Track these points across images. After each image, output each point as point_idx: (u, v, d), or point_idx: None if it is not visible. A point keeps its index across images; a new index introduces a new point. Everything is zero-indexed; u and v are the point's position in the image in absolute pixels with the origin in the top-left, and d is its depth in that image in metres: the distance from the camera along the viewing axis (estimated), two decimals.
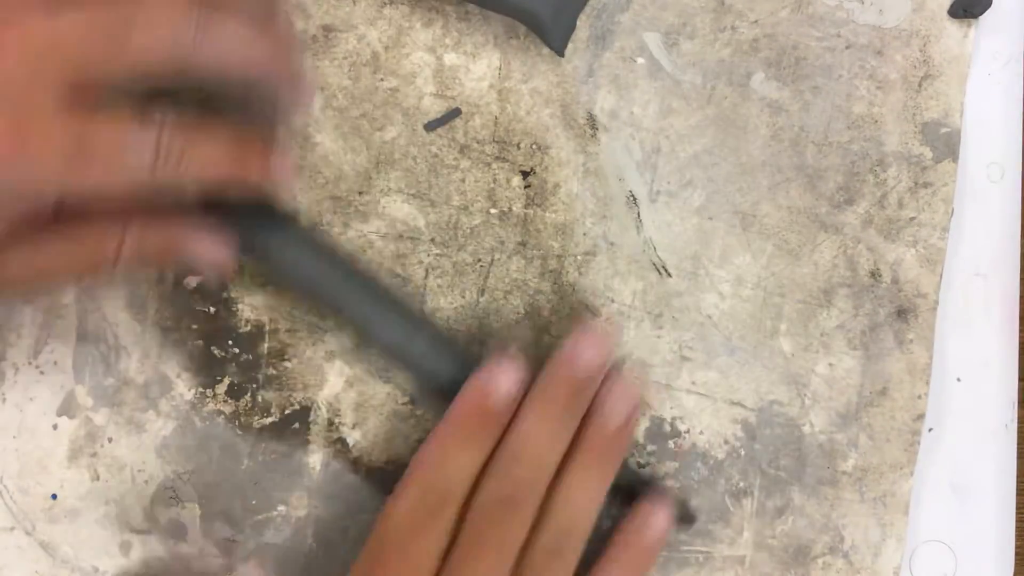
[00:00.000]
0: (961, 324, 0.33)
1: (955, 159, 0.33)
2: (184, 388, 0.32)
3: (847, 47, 0.33)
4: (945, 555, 0.33)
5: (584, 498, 0.29)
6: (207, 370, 0.32)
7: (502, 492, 0.28)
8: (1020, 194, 0.34)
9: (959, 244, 0.33)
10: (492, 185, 0.32)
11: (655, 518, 0.30)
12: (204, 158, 0.25)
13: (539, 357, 0.30)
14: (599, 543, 0.30)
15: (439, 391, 0.30)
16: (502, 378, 0.28)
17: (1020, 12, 0.34)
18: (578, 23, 0.32)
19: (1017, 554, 0.34)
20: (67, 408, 0.32)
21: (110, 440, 0.32)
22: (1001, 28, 0.34)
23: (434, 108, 0.32)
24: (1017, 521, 0.34)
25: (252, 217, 0.29)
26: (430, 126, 0.32)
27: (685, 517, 0.32)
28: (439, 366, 0.30)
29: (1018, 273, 0.34)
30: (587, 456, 0.29)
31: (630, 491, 0.31)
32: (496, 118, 0.32)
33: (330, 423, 0.32)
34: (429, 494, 0.28)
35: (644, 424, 0.32)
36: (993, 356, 0.34)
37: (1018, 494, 0.34)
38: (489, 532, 0.28)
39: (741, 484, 0.32)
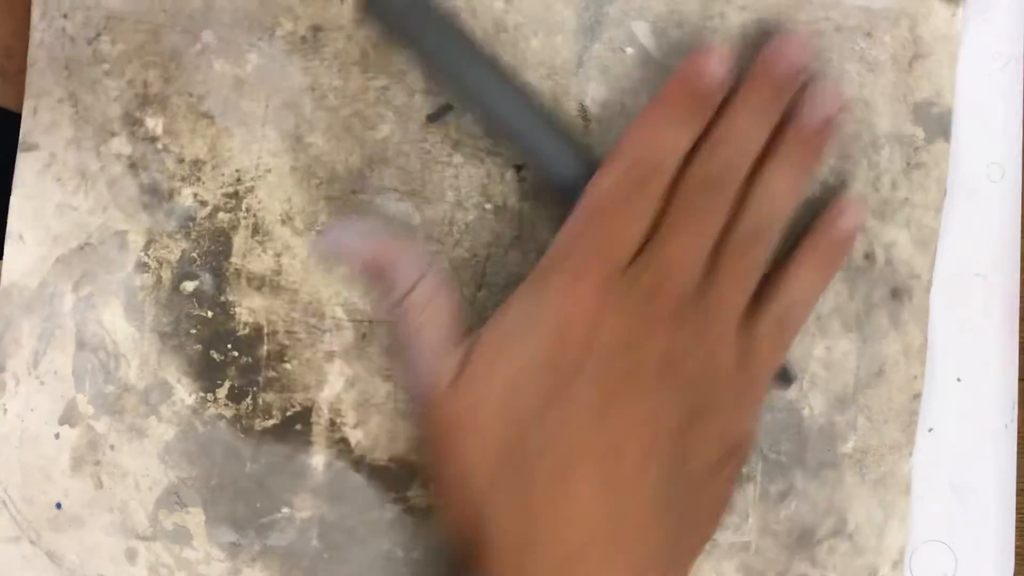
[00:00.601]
0: (961, 324, 0.33)
1: (947, 139, 0.33)
2: (184, 393, 0.32)
3: (836, 29, 0.33)
4: (945, 555, 0.33)
5: (782, 187, 0.29)
6: (207, 374, 0.32)
7: (708, 172, 0.29)
8: (1020, 194, 0.34)
9: (959, 244, 0.33)
10: (486, 180, 0.32)
11: (847, 212, 0.31)
12: None
13: None
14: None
15: (565, 190, 0.30)
16: (713, 61, 0.28)
17: (1020, 12, 0.34)
18: (566, 14, 0.32)
19: (1017, 554, 0.34)
20: (68, 417, 0.32)
21: (112, 448, 0.32)
22: (1001, 29, 0.34)
23: (425, 105, 0.32)
24: (1017, 521, 0.34)
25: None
26: (433, 117, 0.32)
27: (785, 377, 0.32)
28: (567, 164, 0.30)
29: (1018, 273, 0.34)
30: (787, 149, 0.30)
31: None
32: None
33: (332, 423, 0.32)
34: (636, 167, 0.28)
35: None
36: (993, 356, 0.34)
37: (1018, 494, 0.34)
38: (693, 209, 0.28)
39: (744, 470, 0.33)
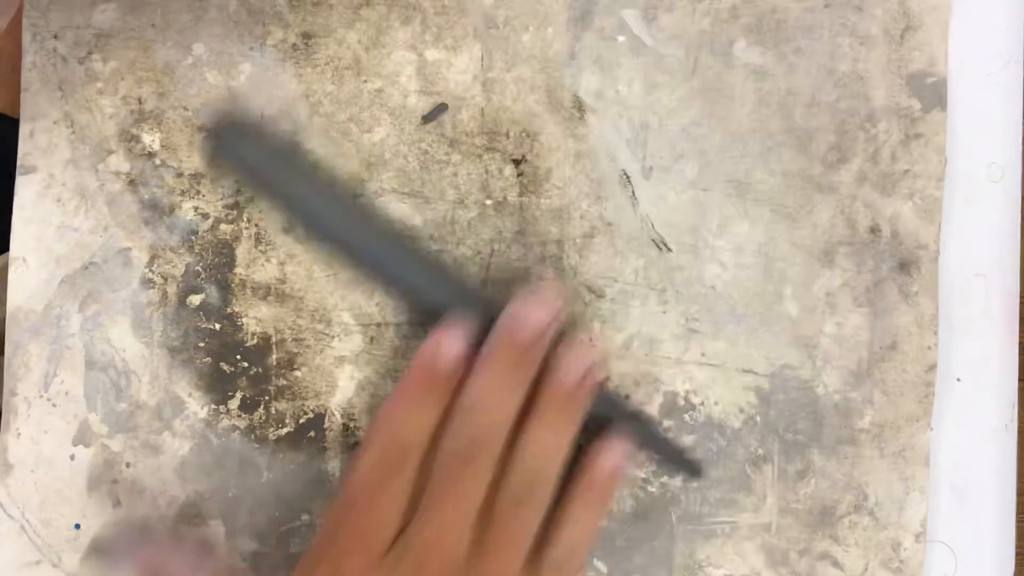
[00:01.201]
0: (961, 324, 0.33)
1: (944, 108, 0.33)
2: (197, 407, 0.32)
3: (826, 5, 0.33)
4: (945, 555, 0.33)
5: (544, 448, 0.29)
6: (218, 386, 0.32)
7: (458, 447, 0.28)
8: (1020, 194, 0.34)
9: (959, 244, 0.33)
10: (485, 176, 0.32)
11: (607, 453, 0.30)
12: None
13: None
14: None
15: (435, 314, 0.30)
16: (448, 342, 0.29)
17: (1020, 12, 0.34)
18: (556, 6, 0.32)
19: (1017, 554, 0.34)
20: (82, 437, 0.32)
21: (128, 465, 0.32)
22: (1001, 29, 0.34)
23: (420, 105, 0.32)
24: (1017, 521, 0.34)
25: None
26: (428, 117, 0.32)
27: (691, 469, 0.32)
28: (432, 294, 0.30)
29: (1018, 273, 0.34)
30: (543, 415, 0.29)
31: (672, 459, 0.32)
32: (483, 109, 0.32)
33: (345, 428, 0.32)
34: (389, 450, 0.28)
35: (658, 400, 0.32)
36: (993, 356, 0.34)
37: (1018, 494, 0.34)
38: (448, 486, 0.28)
39: (760, 451, 0.32)
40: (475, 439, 0.28)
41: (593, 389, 0.30)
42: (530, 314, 0.29)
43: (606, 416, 0.31)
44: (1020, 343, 0.34)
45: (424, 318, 0.32)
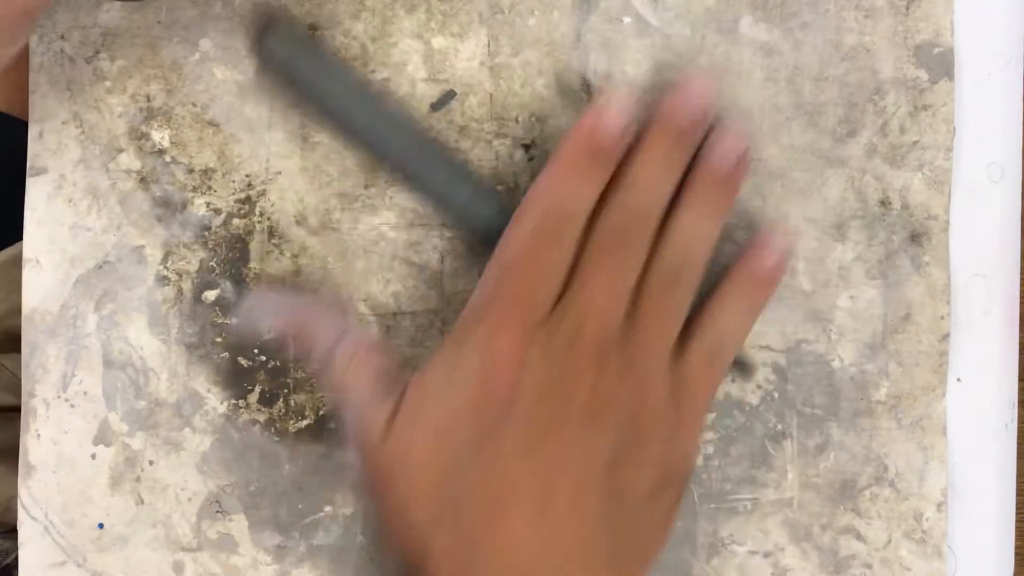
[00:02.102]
0: (961, 324, 0.33)
1: (951, 78, 0.33)
2: (216, 402, 0.32)
3: None
4: (945, 555, 0.33)
5: (696, 231, 0.30)
6: (237, 381, 0.32)
7: (618, 220, 0.29)
8: (1020, 194, 0.34)
9: (959, 244, 0.33)
10: (495, 162, 0.32)
11: (772, 245, 0.31)
12: None
13: None
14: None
15: (486, 240, 0.30)
16: (611, 114, 0.29)
17: (1020, 12, 0.34)
18: None
19: (1017, 554, 0.34)
20: (103, 436, 0.32)
21: (150, 463, 0.32)
22: (1001, 29, 0.34)
23: (428, 93, 0.32)
24: (1017, 521, 0.34)
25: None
26: (437, 105, 0.32)
27: (743, 368, 0.32)
28: (483, 216, 0.31)
29: (1018, 273, 0.34)
30: (699, 192, 0.30)
31: None
32: (491, 95, 0.32)
33: None
34: (547, 219, 0.28)
35: None
36: (993, 356, 0.34)
37: (1018, 494, 0.34)
38: (606, 257, 0.29)
39: (779, 427, 0.33)
40: (634, 214, 0.29)
41: (746, 174, 0.30)
42: (694, 96, 0.29)
43: None
44: (1020, 343, 0.34)
45: (453, 221, 0.32)
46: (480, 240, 0.31)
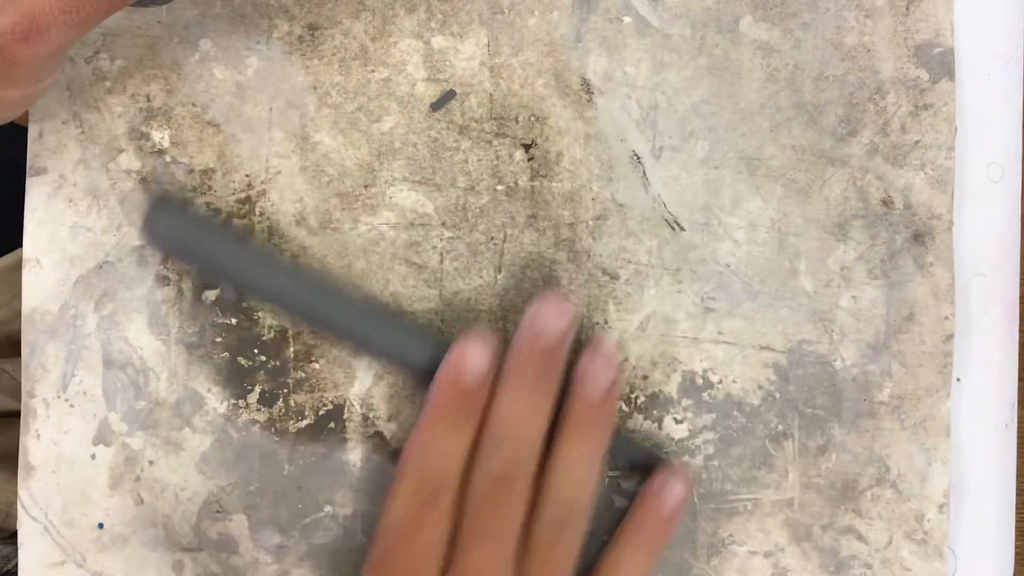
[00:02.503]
0: (961, 324, 0.33)
1: (952, 78, 0.33)
2: (216, 402, 0.32)
3: None
4: (946, 556, 0.33)
5: (579, 470, 0.29)
6: (236, 381, 0.32)
7: (493, 473, 0.28)
8: (1020, 194, 0.34)
9: (959, 244, 0.33)
10: (495, 162, 0.32)
11: (671, 488, 0.30)
12: None
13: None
14: (612, 522, 0.31)
15: (421, 377, 0.30)
16: (472, 357, 0.28)
17: (1020, 12, 0.34)
18: None
19: (1017, 554, 0.34)
20: (102, 436, 0.32)
21: (150, 463, 0.32)
22: (1001, 29, 0.34)
23: (428, 93, 0.32)
24: (1017, 521, 0.34)
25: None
26: (437, 105, 0.32)
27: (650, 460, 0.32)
28: (409, 353, 0.30)
29: (1018, 273, 0.34)
30: (576, 428, 0.29)
31: (643, 468, 0.32)
32: (491, 95, 0.32)
33: (365, 418, 0.32)
34: (422, 487, 0.28)
35: (676, 380, 0.32)
36: (993, 356, 0.34)
37: (1018, 494, 0.34)
38: (487, 515, 0.28)
39: (780, 427, 0.32)
40: (509, 462, 0.28)
41: (617, 402, 0.29)
42: (548, 320, 0.28)
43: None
44: (1020, 343, 0.34)
45: (389, 366, 0.32)
46: (417, 380, 0.31)
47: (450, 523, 0.28)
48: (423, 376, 0.30)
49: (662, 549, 0.30)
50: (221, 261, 0.29)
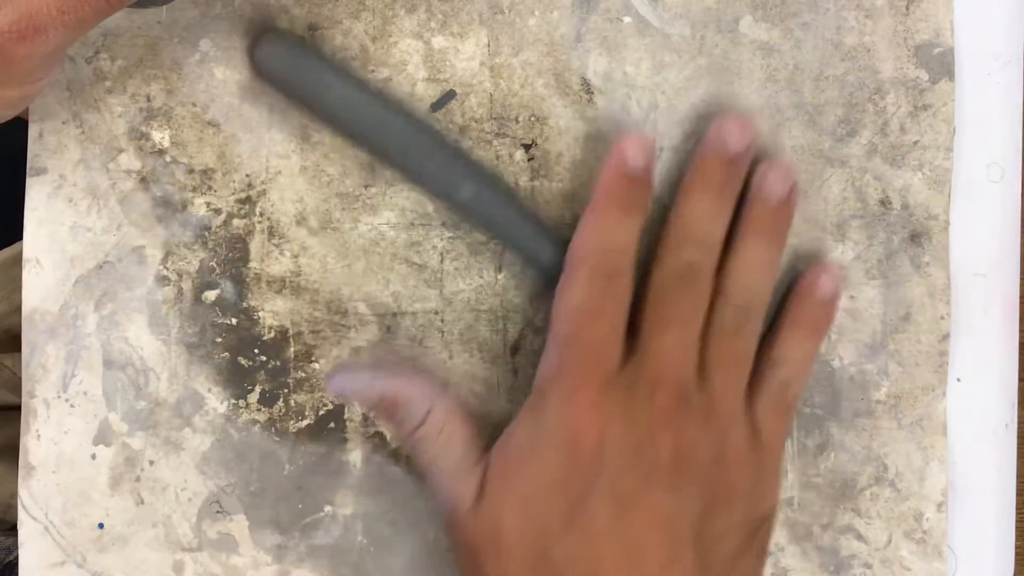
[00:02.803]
0: (961, 324, 0.33)
1: (951, 78, 0.33)
2: (216, 402, 0.32)
3: None
4: (945, 555, 0.33)
5: (757, 272, 0.30)
6: (237, 381, 0.32)
7: (678, 267, 0.29)
8: (1020, 194, 0.34)
9: (959, 244, 0.33)
10: (495, 162, 0.32)
11: (821, 279, 0.31)
12: None
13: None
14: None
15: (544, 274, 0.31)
16: (636, 149, 0.29)
17: (1020, 12, 0.34)
18: None
19: (1017, 554, 0.34)
20: (103, 436, 0.32)
21: (150, 463, 0.32)
22: (1001, 29, 0.34)
23: (428, 93, 0.32)
24: (1017, 521, 0.34)
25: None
26: (437, 105, 0.32)
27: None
28: (544, 257, 0.31)
29: (1018, 273, 0.34)
30: (754, 231, 0.30)
31: None
32: (491, 95, 0.32)
33: (365, 418, 0.32)
34: (598, 272, 0.29)
35: None
36: (993, 356, 0.34)
37: (1018, 494, 0.34)
38: (671, 304, 0.29)
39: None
40: (691, 260, 0.29)
41: (794, 209, 0.30)
42: (737, 130, 0.29)
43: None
44: (1020, 343, 0.34)
45: (464, 219, 0.32)
46: (542, 279, 0.32)
47: (628, 307, 0.29)
48: (547, 276, 0.31)
49: (822, 339, 0.31)
50: (329, 106, 0.31)
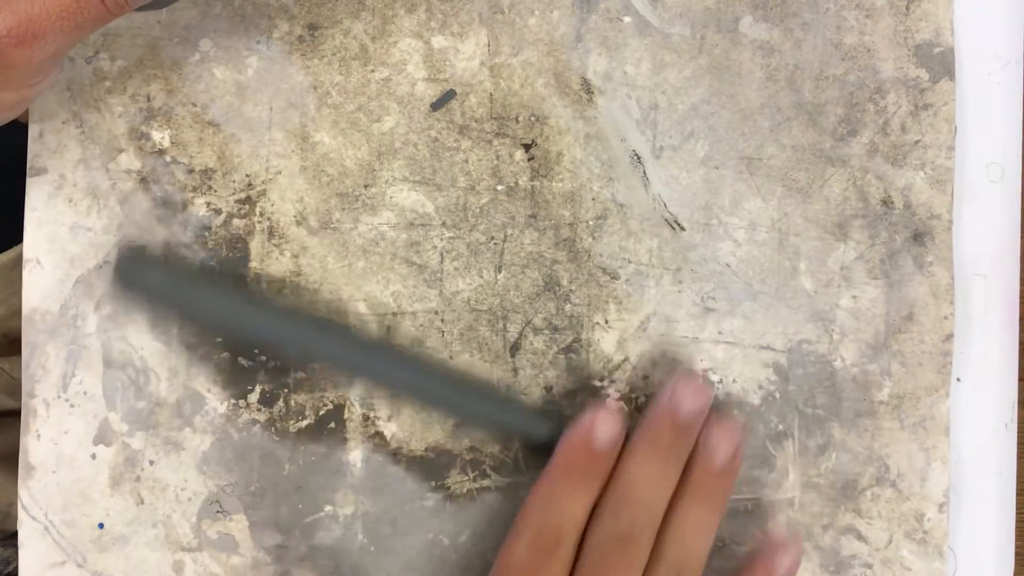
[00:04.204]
0: (961, 324, 0.33)
1: (952, 78, 0.33)
2: (216, 402, 0.32)
3: None
4: (946, 555, 0.33)
5: (695, 536, 0.29)
6: (237, 381, 0.32)
7: (616, 532, 0.29)
8: (1020, 194, 0.34)
9: (959, 244, 0.33)
10: (496, 162, 0.32)
11: (782, 555, 0.30)
12: None
13: (564, 326, 0.30)
14: None
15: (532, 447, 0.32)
16: (606, 423, 0.29)
17: (1020, 12, 0.34)
18: None
19: (1017, 554, 0.34)
20: (103, 436, 0.32)
21: (150, 463, 0.32)
22: (1001, 29, 0.34)
23: (428, 93, 0.32)
24: (1017, 521, 0.34)
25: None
26: (437, 104, 0.32)
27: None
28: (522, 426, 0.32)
29: (1018, 273, 0.34)
30: (696, 494, 0.29)
31: None
32: (491, 95, 0.32)
33: (365, 418, 0.32)
34: (543, 536, 0.29)
35: None
36: (993, 356, 0.34)
37: (1018, 494, 0.34)
38: (607, 570, 0.28)
39: (780, 427, 0.32)
40: (633, 522, 0.29)
41: (738, 471, 0.30)
42: (687, 398, 0.29)
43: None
44: (1020, 343, 0.34)
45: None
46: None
47: (565, 574, 0.29)
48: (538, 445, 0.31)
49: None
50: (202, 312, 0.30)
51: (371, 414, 0.32)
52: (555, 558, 0.28)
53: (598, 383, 0.32)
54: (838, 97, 0.33)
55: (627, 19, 0.33)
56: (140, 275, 0.30)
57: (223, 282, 0.31)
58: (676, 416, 0.29)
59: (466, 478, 0.32)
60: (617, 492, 0.29)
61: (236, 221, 0.32)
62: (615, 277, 0.32)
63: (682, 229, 0.33)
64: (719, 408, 0.32)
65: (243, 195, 0.32)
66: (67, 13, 0.25)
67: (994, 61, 0.34)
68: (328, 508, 0.32)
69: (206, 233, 0.32)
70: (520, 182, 0.32)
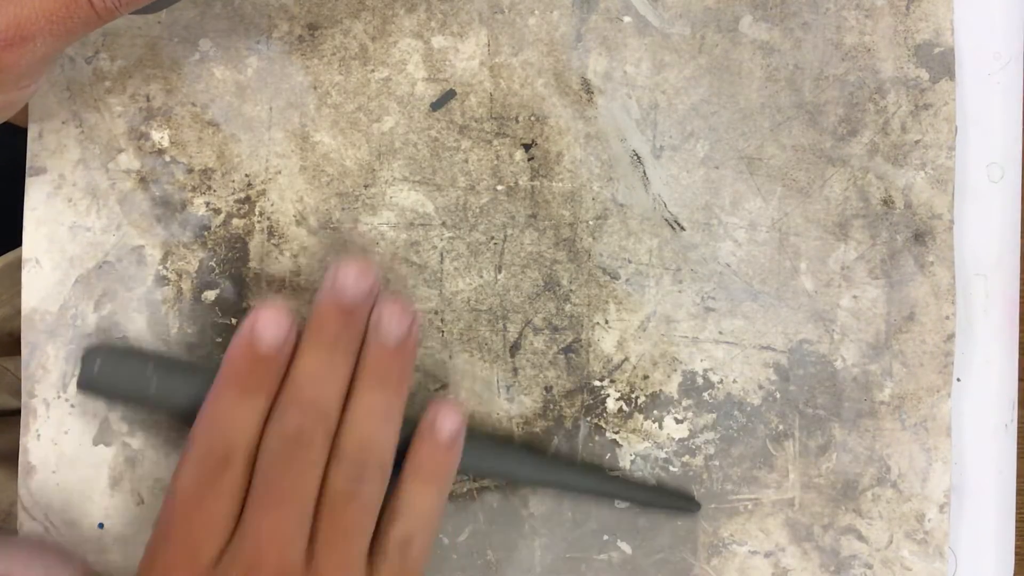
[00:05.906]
0: (961, 324, 0.33)
1: (952, 78, 0.33)
2: None
3: None
4: (945, 555, 0.33)
5: (373, 425, 0.28)
6: None
7: (284, 434, 0.27)
8: (1020, 194, 0.34)
9: (959, 244, 0.33)
10: (496, 162, 0.32)
11: (441, 420, 0.28)
12: None
13: (564, 326, 0.30)
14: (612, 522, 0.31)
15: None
16: (269, 322, 0.27)
17: (1020, 12, 0.34)
18: None
19: (1017, 554, 0.34)
20: (103, 436, 0.32)
21: (150, 463, 0.32)
22: (1001, 28, 0.34)
23: (428, 93, 0.32)
24: (1017, 521, 0.34)
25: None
26: (437, 104, 0.32)
27: (688, 505, 0.32)
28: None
29: (1018, 273, 0.34)
30: (369, 380, 0.28)
31: (652, 503, 0.32)
32: (491, 95, 0.32)
33: None
34: (210, 455, 0.27)
35: (677, 379, 0.32)
36: (993, 356, 0.34)
37: (1018, 494, 0.34)
38: (276, 477, 0.27)
39: (780, 427, 0.32)
40: (300, 423, 0.27)
41: (415, 349, 0.28)
42: (349, 279, 0.27)
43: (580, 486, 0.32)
44: (1020, 343, 0.34)
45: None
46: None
47: (242, 494, 0.27)
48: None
49: (446, 487, 0.29)
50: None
51: None
52: (225, 476, 0.26)
53: (598, 383, 0.32)
54: (838, 97, 0.33)
55: (627, 19, 0.33)
56: (104, 378, 0.29)
57: (184, 368, 0.30)
58: (340, 302, 0.27)
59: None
60: (285, 393, 0.27)
61: (235, 221, 0.32)
62: (615, 277, 0.32)
63: (682, 229, 0.32)
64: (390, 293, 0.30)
65: (243, 195, 0.32)
66: (56, 17, 0.25)
67: (994, 61, 0.34)
68: None
69: (205, 233, 0.32)
70: (520, 182, 0.32)
